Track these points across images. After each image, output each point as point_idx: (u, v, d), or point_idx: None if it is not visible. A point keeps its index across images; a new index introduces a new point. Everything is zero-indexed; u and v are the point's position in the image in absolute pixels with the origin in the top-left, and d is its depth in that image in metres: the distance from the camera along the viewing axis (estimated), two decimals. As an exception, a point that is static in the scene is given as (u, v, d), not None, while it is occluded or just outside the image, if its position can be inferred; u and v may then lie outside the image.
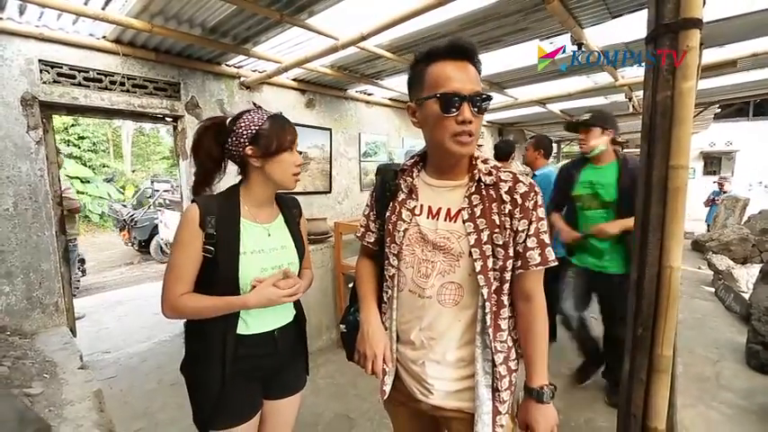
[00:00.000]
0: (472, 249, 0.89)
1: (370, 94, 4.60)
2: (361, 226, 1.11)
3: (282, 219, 1.22)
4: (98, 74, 2.57)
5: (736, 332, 2.66)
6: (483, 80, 4.06)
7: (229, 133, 1.10)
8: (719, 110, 7.49)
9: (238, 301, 1.08)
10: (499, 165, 0.98)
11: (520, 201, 0.90)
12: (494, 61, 3.46)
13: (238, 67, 3.32)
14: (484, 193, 0.92)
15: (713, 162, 11.93)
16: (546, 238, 0.93)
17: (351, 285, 1.23)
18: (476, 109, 0.86)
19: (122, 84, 2.68)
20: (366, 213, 1.11)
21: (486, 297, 0.89)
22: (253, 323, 1.14)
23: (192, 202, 1.08)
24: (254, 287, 1.10)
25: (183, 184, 3.21)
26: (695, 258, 4.73)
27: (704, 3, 1.32)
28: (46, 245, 2.40)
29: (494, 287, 0.89)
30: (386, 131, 5.02)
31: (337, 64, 3.41)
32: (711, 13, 2.57)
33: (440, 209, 0.94)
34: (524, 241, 0.90)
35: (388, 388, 1.02)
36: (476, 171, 0.94)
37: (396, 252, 0.96)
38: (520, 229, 0.90)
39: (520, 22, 2.64)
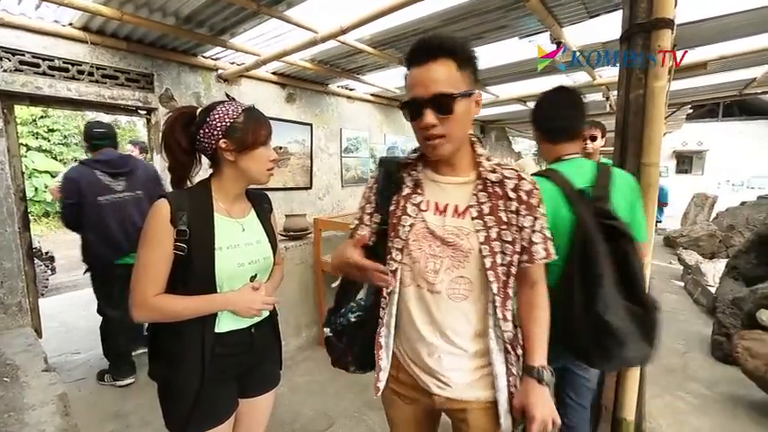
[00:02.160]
0: (482, 246, 0.90)
1: (351, 90, 4.56)
2: (356, 219, 1.07)
3: (255, 213, 1.20)
4: (64, 63, 2.45)
5: (703, 324, 2.76)
6: None
7: (201, 125, 1.05)
8: (691, 110, 7.76)
9: (220, 300, 1.05)
10: (502, 162, 1.00)
11: (525, 198, 0.92)
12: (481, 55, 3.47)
13: (215, 59, 3.23)
14: (490, 190, 0.93)
15: (685, 161, 12.35)
16: (548, 233, 0.95)
17: (334, 286, 1.17)
18: (440, 110, 0.84)
19: (91, 74, 2.57)
20: (362, 206, 1.06)
21: (495, 292, 0.91)
22: (230, 320, 1.11)
23: (160, 197, 1.03)
24: (254, 288, 1.11)
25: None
26: (666, 254, 4.90)
27: (676, 4, 1.35)
28: (8, 242, 2.28)
29: (501, 281, 0.91)
30: (367, 127, 4.99)
31: (318, 58, 3.36)
32: (683, 15, 2.65)
33: (447, 205, 0.95)
34: (530, 237, 0.93)
35: (382, 384, 1.01)
36: (482, 168, 0.95)
37: (400, 247, 0.95)
38: (526, 225, 0.92)
39: (500, 20, 2.65)
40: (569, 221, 1.19)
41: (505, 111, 6.19)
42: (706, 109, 10.95)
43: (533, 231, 0.92)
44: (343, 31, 2.46)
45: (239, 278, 1.10)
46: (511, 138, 8.14)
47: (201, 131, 1.05)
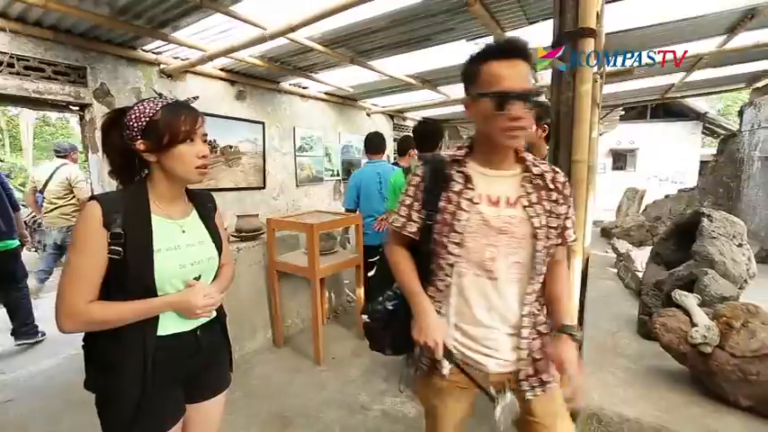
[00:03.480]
0: (537, 231, 1.00)
1: (304, 88, 4.50)
2: (401, 216, 1.10)
3: (197, 214, 1.16)
4: (-21, 53, 2.22)
5: (631, 306, 3.05)
6: (415, 77, 4.17)
7: (123, 126, 1.01)
8: (624, 112, 8.45)
9: (160, 303, 1.01)
10: (534, 157, 1.09)
11: (561, 188, 1.06)
12: (425, 60, 3.56)
13: (157, 53, 3.06)
14: (535, 182, 1.04)
15: (620, 158, 13.43)
16: (574, 217, 1.11)
17: (371, 275, 1.29)
18: (526, 105, 0.93)
19: (11, 65, 2.34)
20: (408, 203, 1.09)
21: (540, 272, 1.03)
22: (173, 323, 1.06)
23: (91, 199, 0.97)
24: (189, 285, 1.06)
25: (95, 180, 2.91)
26: (603, 243, 5.32)
27: (598, 16, 1.48)
28: None
29: (546, 263, 1.04)
30: (322, 126, 4.96)
31: (268, 55, 3.29)
32: (611, 25, 2.89)
33: (499, 197, 1.02)
34: (564, 222, 1.07)
35: (447, 371, 1.07)
36: (527, 163, 1.05)
37: (457, 240, 1.00)
38: (562, 212, 1.05)
39: (447, 22, 2.74)
40: None
41: (457, 110, 6.37)
42: (637, 111, 11.96)
43: (567, 218, 1.07)
44: (293, 29, 2.43)
45: (182, 280, 1.06)
46: (463, 137, 8.41)
47: (124, 133, 1.01)
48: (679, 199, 6.22)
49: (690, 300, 2.05)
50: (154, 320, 1.02)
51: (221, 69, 3.56)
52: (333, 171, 5.21)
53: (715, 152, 6.84)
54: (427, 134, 2.45)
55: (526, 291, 1.03)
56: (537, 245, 1.00)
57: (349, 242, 3.65)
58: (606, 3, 2.53)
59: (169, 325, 1.06)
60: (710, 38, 3.29)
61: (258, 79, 3.92)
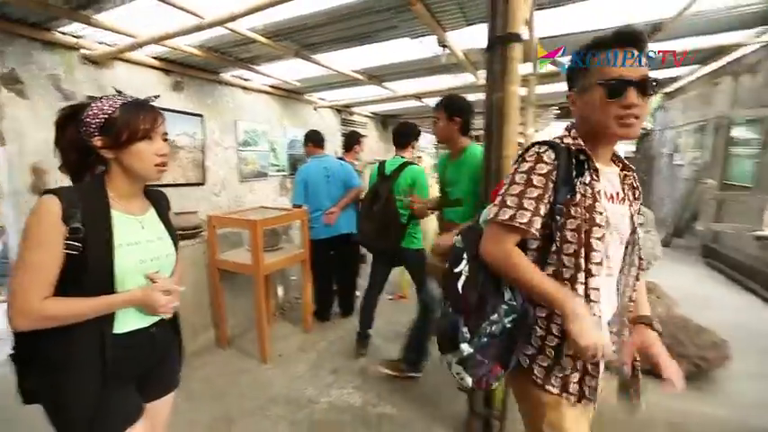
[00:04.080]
0: (636, 228, 1.01)
1: (247, 80, 4.35)
2: (527, 210, 0.91)
3: (154, 211, 1.15)
4: None
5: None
6: (361, 73, 4.20)
7: (79, 123, 1.01)
8: (559, 111, 9.10)
9: (122, 299, 0.99)
10: None
11: (637, 185, 1.06)
12: (371, 55, 3.60)
13: (78, 37, 2.80)
14: (627, 181, 1.04)
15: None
16: None
17: (482, 284, 1.00)
18: (644, 93, 0.89)
19: None
20: (535, 195, 0.91)
21: (637, 270, 1.03)
22: (131, 320, 1.04)
23: (46, 193, 0.93)
24: (152, 279, 1.04)
25: (4, 177, 2.61)
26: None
27: (527, 21, 1.59)
28: None
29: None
30: (267, 119, 4.82)
31: (207, 44, 3.14)
32: (548, 29, 3.11)
33: (612, 193, 0.99)
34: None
35: (599, 384, 0.97)
36: (622, 160, 1.05)
37: (600, 236, 0.92)
38: (636, 208, 1.05)
39: (391, 20, 2.79)
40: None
41: (405, 106, 6.51)
42: (570, 110, 12.97)
43: (638, 213, 1.07)
44: (233, 18, 2.35)
45: (142, 275, 1.05)
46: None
47: (81, 130, 1.00)
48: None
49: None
50: (110, 318, 1.00)
51: (155, 58, 3.34)
52: (279, 166, 5.10)
53: (634, 149, 7.62)
54: (405, 133, 2.67)
55: (626, 286, 1.04)
56: (637, 241, 1.01)
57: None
58: (537, 9, 2.76)
59: (127, 322, 1.04)
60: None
61: (197, 69, 3.72)
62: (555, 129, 12.05)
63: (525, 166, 0.94)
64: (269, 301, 3.06)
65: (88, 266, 0.95)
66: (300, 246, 3.06)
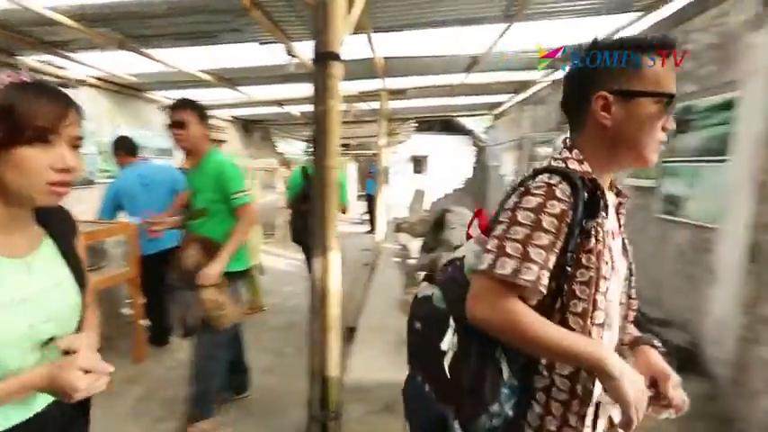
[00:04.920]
0: (631, 267, 0.82)
1: (61, 68, 3.64)
2: (535, 262, 0.67)
3: (51, 242, 0.81)
4: None
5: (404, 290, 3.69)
6: (210, 73, 3.93)
7: None
8: (417, 125, 10.06)
9: (14, 388, 0.66)
10: None
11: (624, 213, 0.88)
12: (221, 57, 3.38)
13: None
14: (621, 209, 0.86)
15: (418, 163, 15.96)
16: None
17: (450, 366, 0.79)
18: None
19: None
20: (545, 244, 0.68)
21: (629, 312, 0.85)
22: (14, 410, 0.72)
23: None
24: (68, 352, 0.70)
25: None
26: (396, 238, 6.20)
27: (341, 42, 1.72)
28: None
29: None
30: (94, 117, 4.11)
31: (-7, 18, 2.53)
32: (391, 50, 3.43)
33: (613, 229, 0.79)
34: None
35: None
36: (621, 187, 0.86)
37: (605, 290, 0.73)
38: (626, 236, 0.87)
39: (232, 22, 2.70)
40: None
41: (266, 112, 6.33)
42: (428, 124, 14.42)
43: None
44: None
45: (33, 345, 0.72)
46: (275, 139, 8.35)
47: None
48: (451, 197, 7.90)
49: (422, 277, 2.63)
50: None
51: None
52: (110, 172, 4.37)
53: (475, 161, 8.94)
54: None
55: (624, 319, 0.85)
56: (632, 281, 0.83)
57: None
58: (376, 32, 3.02)
59: (8, 416, 0.71)
60: (457, 73, 4.27)
61: (-20, 48, 2.96)
62: (417, 141, 13.33)
63: (532, 203, 0.70)
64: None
65: None
66: (127, 263, 2.69)
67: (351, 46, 3.02)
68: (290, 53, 3.19)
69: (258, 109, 6.02)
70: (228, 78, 4.17)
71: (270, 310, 3.76)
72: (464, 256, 0.82)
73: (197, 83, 4.19)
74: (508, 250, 0.69)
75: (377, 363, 2.31)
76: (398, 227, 5.78)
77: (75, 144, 0.73)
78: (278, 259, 5.54)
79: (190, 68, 3.65)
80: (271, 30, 2.67)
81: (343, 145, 10.84)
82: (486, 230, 0.80)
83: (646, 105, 0.72)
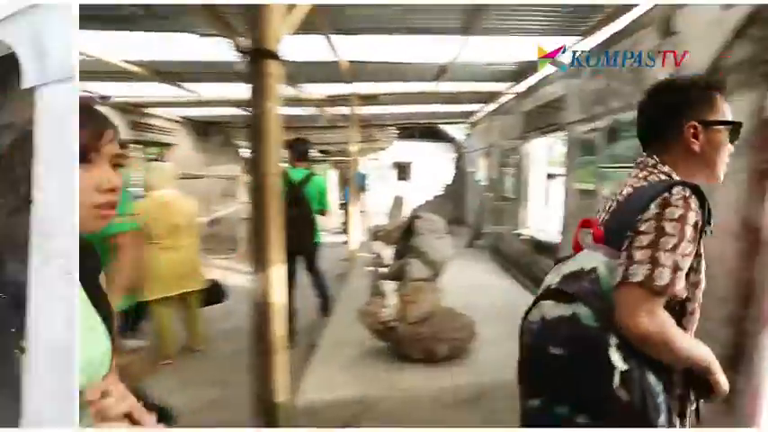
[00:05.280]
0: None
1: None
2: (681, 269, 0.73)
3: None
4: None
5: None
6: (139, 65, 3.51)
7: None
8: (399, 131, 9.92)
9: None
10: None
11: None
12: (155, 47, 3.05)
13: None
14: None
15: (402, 169, 15.93)
16: None
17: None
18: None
19: None
20: (689, 252, 0.74)
21: None
22: None
23: None
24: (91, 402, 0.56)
25: None
26: (371, 246, 6.02)
27: (280, 40, 1.60)
28: None
29: None
30: None
31: None
32: (355, 54, 3.33)
33: None
34: None
35: None
36: None
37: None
38: None
39: (167, 8, 2.46)
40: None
41: (226, 113, 5.82)
42: (411, 131, 14.39)
43: None
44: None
45: None
46: (236, 142, 7.79)
47: None
48: (432, 204, 7.79)
49: (385, 286, 2.53)
50: None
51: None
52: None
53: (455, 167, 8.92)
54: (303, 146, 3.14)
55: None
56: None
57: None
58: (337, 34, 2.92)
59: None
60: (428, 81, 4.21)
61: None
62: (400, 148, 13.22)
63: (676, 213, 0.75)
64: None
65: None
66: None
67: (304, 46, 2.90)
68: (239, 49, 2.97)
69: (216, 110, 5.57)
70: (165, 72, 3.72)
71: (221, 338, 3.19)
72: (596, 268, 0.81)
73: (130, 76, 3.70)
74: (662, 261, 0.72)
75: (337, 379, 2.19)
76: (375, 235, 5.64)
77: (116, 162, 0.67)
78: (240, 276, 4.71)
79: (110, 57, 3.22)
80: (211, 21, 2.46)
81: (322, 151, 10.66)
82: (602, 239, 0.85)
83: (722, 133, 0.87)
